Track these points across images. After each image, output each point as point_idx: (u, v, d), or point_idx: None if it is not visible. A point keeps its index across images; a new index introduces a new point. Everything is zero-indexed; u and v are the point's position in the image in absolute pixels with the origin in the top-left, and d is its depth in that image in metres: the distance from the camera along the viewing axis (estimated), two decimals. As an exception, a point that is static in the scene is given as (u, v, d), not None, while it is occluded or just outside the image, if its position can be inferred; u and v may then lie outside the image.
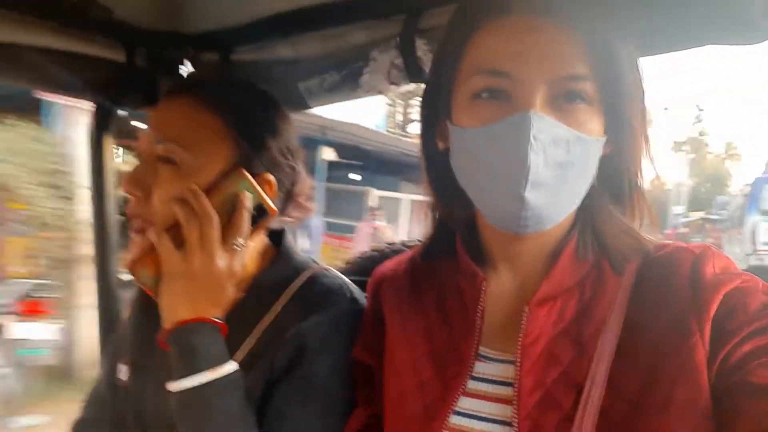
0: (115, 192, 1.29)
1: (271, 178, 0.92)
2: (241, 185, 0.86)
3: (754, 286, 0.64)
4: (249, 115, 0.91)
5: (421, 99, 0.82)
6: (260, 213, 0.88)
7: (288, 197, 1.00)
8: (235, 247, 0.85)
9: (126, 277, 1.30)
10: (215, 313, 0.84)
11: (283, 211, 1.02)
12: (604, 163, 0.71)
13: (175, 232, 0.83)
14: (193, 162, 0.86)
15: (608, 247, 0.73)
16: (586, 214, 0.75)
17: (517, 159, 0.64)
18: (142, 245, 0.86)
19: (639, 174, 0.74)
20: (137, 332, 1.03)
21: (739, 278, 0.65)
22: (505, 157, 0.65)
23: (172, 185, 0.85)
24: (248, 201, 0.86)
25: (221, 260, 0.83)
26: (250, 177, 0.87)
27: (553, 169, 0.65)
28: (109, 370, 1.06)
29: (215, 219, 0.83)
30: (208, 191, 0.85)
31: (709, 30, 0.84)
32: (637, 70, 0.70)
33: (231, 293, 0.86)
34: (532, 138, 0.63)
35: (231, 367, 0.82)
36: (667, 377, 0.62)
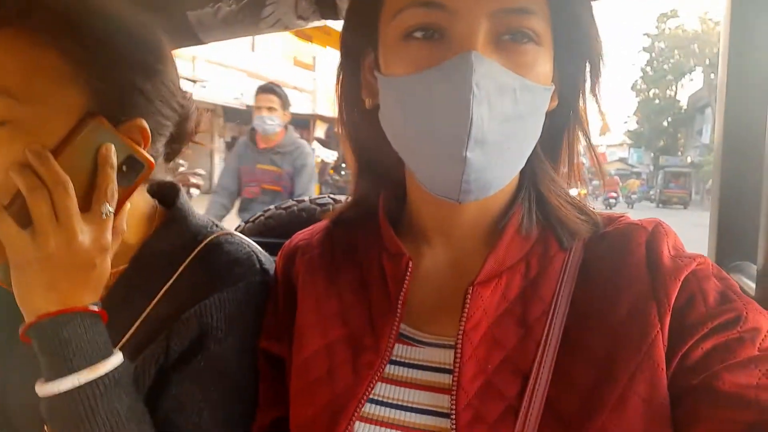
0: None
1: (143, 123, 0.69)
2: (100, 137, 0.65)
3: (706, 269, 0.58)
4: (102, 50, 0.67)
5: (341, 42, 0.68)
6: (133, 167, 0.68)
7: (177, 139, 0.79)
8: (103, 215, 0.65)
9: None
10: (88, 299, 0.65)
11: (170, 158, 0.82)
12: (548, 118, 0.61)
13: (18, 207, 0.62)
14: (33, 117, 0.62)
15: (554, 219, 0.64)
16: (529, 180, 0.65)
17: (457, 111, 0.52)
18: None
19: (583, 133, 0.65)
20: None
21: (694, 261, 0.57)
22: (443, 110, 0.54)
23: (7, 149, 0.62)
24: (113, 155, 0.65)
25: (84, 235, 0.63)
26: (110, 126, 0.66)
27: (498, 122, 0.54)
28: None
29: (69, 185, 0.62)
30: (59, 150, 0.63)
31: None
32: (592, 11, 0.61)
33: (106, 270, 0.66)
34: (474, 85, 0.51)
35: (114, 361, 0.65)
36: (625, 371, 0.54)
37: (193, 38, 1.01)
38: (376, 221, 0.70)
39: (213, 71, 15.45)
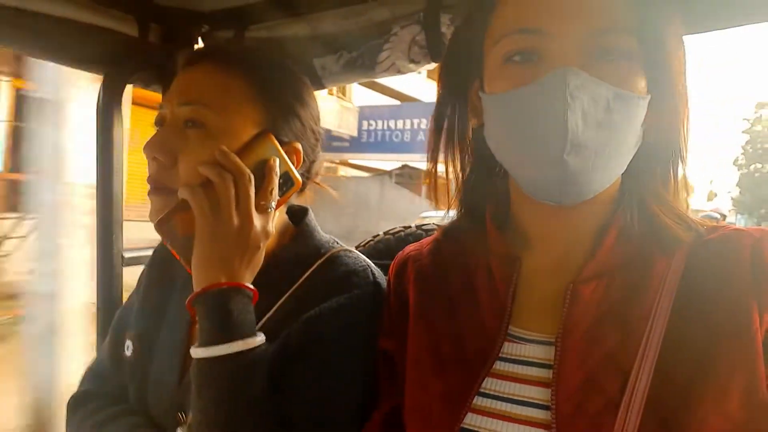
0: (123, 167, 1.17)
1: (299, 147, 0.83)
2: (270, 151, 0.77)
3: None
4: (276, 81, 0.83)
5: (442, 72, 0.74)
6: (285, 183, 0.79)
7: (308, 174, 0.90)
8: (268, 209, 0.75)
9: (129, 254, 1.18)
10: (248, 278, 0.73)
11: (302, 187, 0.91)
12: (646, 130, 0.62)
13: (205, 192, 0.73)
14: (222, 124, 0.77)
15: (657, 225, 0.63)
16: (632, 187, 0.65)
17: (554, 120, 0.55)
18: (168, 205, 0.76)
19: (683, 145, 0.64)
20: (144, 306, 0.93)
21: None
22: (541, 120, 0.57)
23: (200, 149, 0.76)
24: (277, 166, 0.77)
25: (257, 220, 0.73)
26: (277, 144, 0.78)
27: (594, 129, 0.56)
28: (114, 344, 0.95)
29: (251, 177, 0.73)
30: (238, 154, 0.76)
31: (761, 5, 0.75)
32: (679, 27, 0.62)
33: (262, 258, 0.76)
34: (568, 96, 0.55)
35: (261, 338, 0.72)
36: (725, 364, 0.54)
37: (318, 83, 1.13)
38: (482, 229, 0.73)
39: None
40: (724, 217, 5.80)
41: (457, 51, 0.71)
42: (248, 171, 0.73)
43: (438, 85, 0.74)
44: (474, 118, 0.71)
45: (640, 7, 0.59)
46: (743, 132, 41.16)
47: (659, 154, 0.65)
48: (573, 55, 0.57)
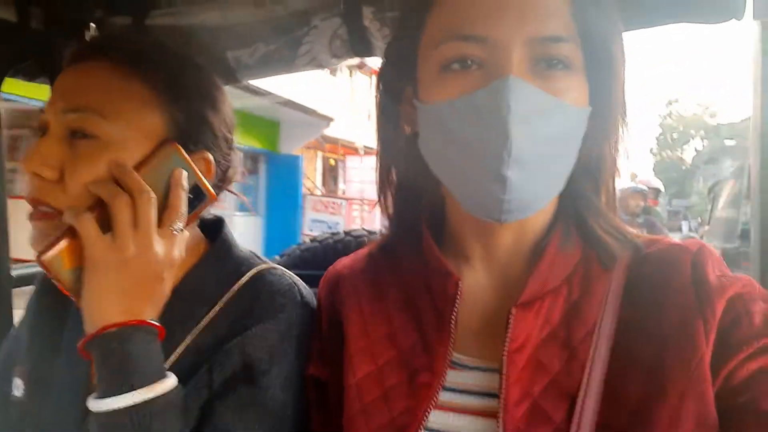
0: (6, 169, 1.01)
1: (210, 157, 0.72)
2: (174, 161, 0.67)
3: (753, 291, 0.56)
4: (180, 82, 0.71)
5: (379, 78, 0.68)
6: (197, 197, 0.69)
7: (221, 182, 0.79)
8: (174, 232, 0.65)
9: (20, 272, 1.03)
10: (151, 314, 0.63)
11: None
12: (584, 143, 0.59)
13: (97, 215, 0.62)
14: (117, 135, 0.66)
15: (594, 240, 0.61)
16: (567, 202, 0.62)
17: (496, 132, 0.52)
18: (55, 230, 0.64)
19: (616, 155, 0.62)
20: (35, 338, 0.80)
21: (739, 282, 0.56)
22: (482, 132, 0.53)
23: (91, 164, 0.64)
24: (184, 179, 0.67)
25: (159, 246, 0.62)
26: (184, 154, 0.68)
27: (536, 142, 0.53)
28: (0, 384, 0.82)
29: (151, 194, 0.62)
30: (137, 168, 0.65)
31: (683, 7, 0.78)
32: (621, 38, 0.59)
33: (168, 289, 0.65)
34: (512, 107, 0.51)
35: (171, 382, 0.62)
36: (676, 389, 0.52)
37: (232, 77, 1.02)
38: (418, 245, 0.67)
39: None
40: (656, 191, 6.01)
41: (394, 55, 0.66)
42: (148, 189, 0.62)
43: (376, 92, 0.68)
44: (408, 126, 0.65)
45: (584, 16, 0.56)
46: (658, 125, 48.67)
47: (595, 167, 0.62)
48: (515, 64, 0.53)
